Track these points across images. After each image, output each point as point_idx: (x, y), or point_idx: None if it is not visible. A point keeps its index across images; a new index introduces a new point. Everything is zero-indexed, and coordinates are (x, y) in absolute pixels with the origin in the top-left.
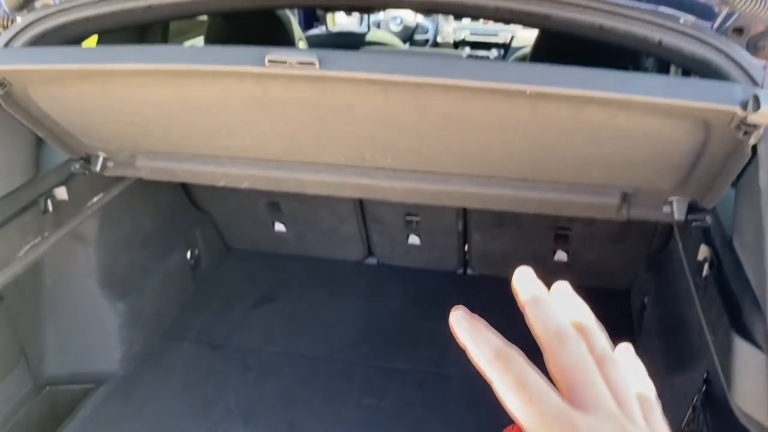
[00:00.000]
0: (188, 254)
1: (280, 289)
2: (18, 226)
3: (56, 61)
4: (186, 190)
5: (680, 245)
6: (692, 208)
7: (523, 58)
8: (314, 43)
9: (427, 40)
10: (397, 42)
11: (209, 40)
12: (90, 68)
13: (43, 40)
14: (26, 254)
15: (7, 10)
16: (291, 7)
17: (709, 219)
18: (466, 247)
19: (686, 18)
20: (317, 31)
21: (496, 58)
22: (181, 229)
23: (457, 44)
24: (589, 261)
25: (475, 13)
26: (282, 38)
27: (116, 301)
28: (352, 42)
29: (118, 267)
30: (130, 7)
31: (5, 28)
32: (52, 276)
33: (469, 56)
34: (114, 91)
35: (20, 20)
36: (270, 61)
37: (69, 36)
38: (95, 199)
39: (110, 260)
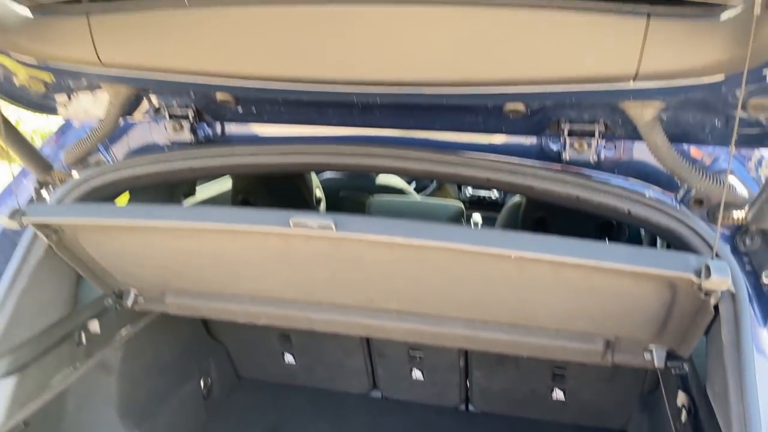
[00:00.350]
0: (201, 383)
1: (286, 421)
2: (54, 357)
3: (104, 216)
4: (204, 321)
5: (663, 390)
6: (670, 355)
7: (518, 204)
8: (329, 186)
9: (432, 181)
10: (404, 185)
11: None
12: (133, 223)
13: (94, 194)
14: (58, 384)
15: (65, 164)
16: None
17: (686, 366)
18: (468, 384)
19: (653, 189)
20: (331, 174)
21: (496, 199)
22: (197, 359)
23: (460, 185)
24: (585, 400)
25: (471, 183)
26: (300, 184)
27: (132, 429)
28: (364, 185)
29: (136, 395)
30: (174, 168)
31: (62, 181)
32: (75, 402)
33: (471, 199)
34: (152, 240)
35: (76, 175)
36: (294, 224)
37: (118, 190)
38: (123, 331)
39: (130, 389)
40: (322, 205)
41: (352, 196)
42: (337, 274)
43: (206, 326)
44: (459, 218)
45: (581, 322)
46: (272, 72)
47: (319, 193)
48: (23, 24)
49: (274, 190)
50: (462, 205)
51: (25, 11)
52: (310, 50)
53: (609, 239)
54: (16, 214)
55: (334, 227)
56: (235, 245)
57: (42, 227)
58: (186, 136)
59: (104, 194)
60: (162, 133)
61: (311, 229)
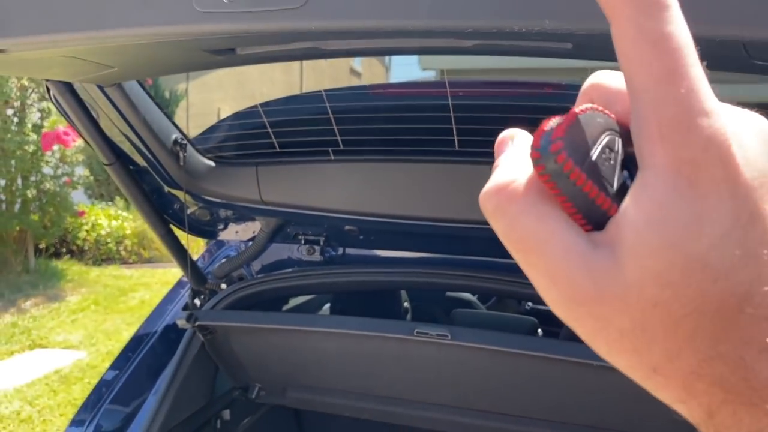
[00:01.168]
0: None
1: None
2: None
3: (255, 321)
4: (295, 412)
5: None
6: None
7: None
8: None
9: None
10: (472, 297)
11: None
12: (279, 327)
13: (238, 303)
14: None
15: (215, 277)
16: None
17: None
18: None
19: None
20: None
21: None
22: None
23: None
24: None
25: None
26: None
27: None
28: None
29: None
30: (306, 284)
31: (212, 292)
32: None
33: (530, 311)
34: (288, 341)
35: (224, 287)
36: (417, 332)
37: (258, 300)
38: (245, 420)
39: None
40: (409, 316)
41: (429, 307)
42: (441, 375)
43: (297, 416)
44: (534, 331)
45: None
46: (395, 212)
47: (407, 304)
48: (208, 172)
49: (369, 298)
50: (534, 320)
51: (210, 163)
52: (430, 196)
53: None
54: (191, 317)
55: (450, 336)
56: (359, 348)
57: (202, 328)
58: (316, 257)
59: (246, 304)
60: (296, 253)
61: (431, 337)
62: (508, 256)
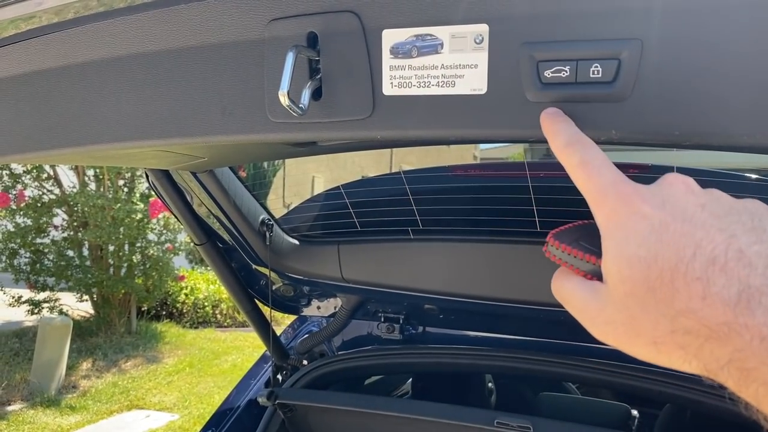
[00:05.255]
0: None
1: None
2: None
3: (334, 402)
4: None
5: None
6: None
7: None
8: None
9: None
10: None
11: None
12: (358, 410)
13: (319, 380)
14: None
15: (297, 353)
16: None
17: None
18: None
19: None
20: None
21: None
22: None
23: None
24: None
25: (643, 395)
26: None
27: None
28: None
29: None
30: (386, 363)
31: (294, 367)
32: None
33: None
34: (366, 423)
35: (305, 362)
36: (497, 423)
37: (337, 378)
38: None
39: None
40: (493, 398)
41: (515, 387)
42: None
43: None
44: (627, 419)
45: None
46: (474, 292)
47: (491, 385)
48: (292, 250)
49: (452, 378)
50: (627, 407)
51: (295, 241)
52: (510, 277)
53: None
54: (272, 395)
55: (532, 429)
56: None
57: (282, 406)
58: (396, 335)
59: (327, 381)
60: (375, 330)
61: (511, 428)
62: (580, 339)
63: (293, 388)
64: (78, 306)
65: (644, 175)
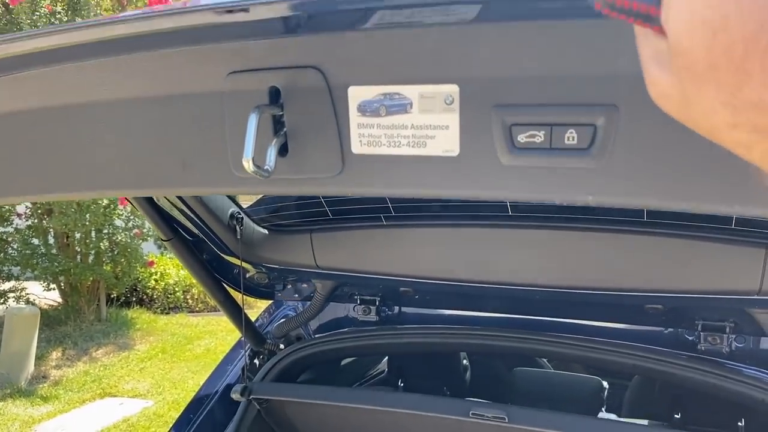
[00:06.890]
0: None
1: None
2: None
3: (308, 396)
4: None
5: None
6: None
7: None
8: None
9: None
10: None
11: None
12: (330, 404)
13: (297, 364)
14: None
15: (274, 337)
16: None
17: None
18: None
19: None
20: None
21: None
22: None
23: None
24: None
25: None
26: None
27: None
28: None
29: None
30: (368, 344)
31: (271, 352)
32: None
33: None
34: (342, 415)
35: (282, 347)
36: (473, 414)
37: (315, 361)
38: None
39: None
40: (468, 374)
41: (489, 363)
42: None
43: None
44: (600, 392)
45: None
46: (451, 275)
47: (465, 362)
48: (263, 240)
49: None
50: (599, 380)
51: (264, 232)
52: (484, 260)
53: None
54: (245, 391)
55: (507, 418)
56: (414, 426)
57: (258, 399)
58: (372, 317)
59: (304, 365)
60: (352, 313)
61: (486, 419)
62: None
63: (267, 382)
64: (45, 295)
65: None
